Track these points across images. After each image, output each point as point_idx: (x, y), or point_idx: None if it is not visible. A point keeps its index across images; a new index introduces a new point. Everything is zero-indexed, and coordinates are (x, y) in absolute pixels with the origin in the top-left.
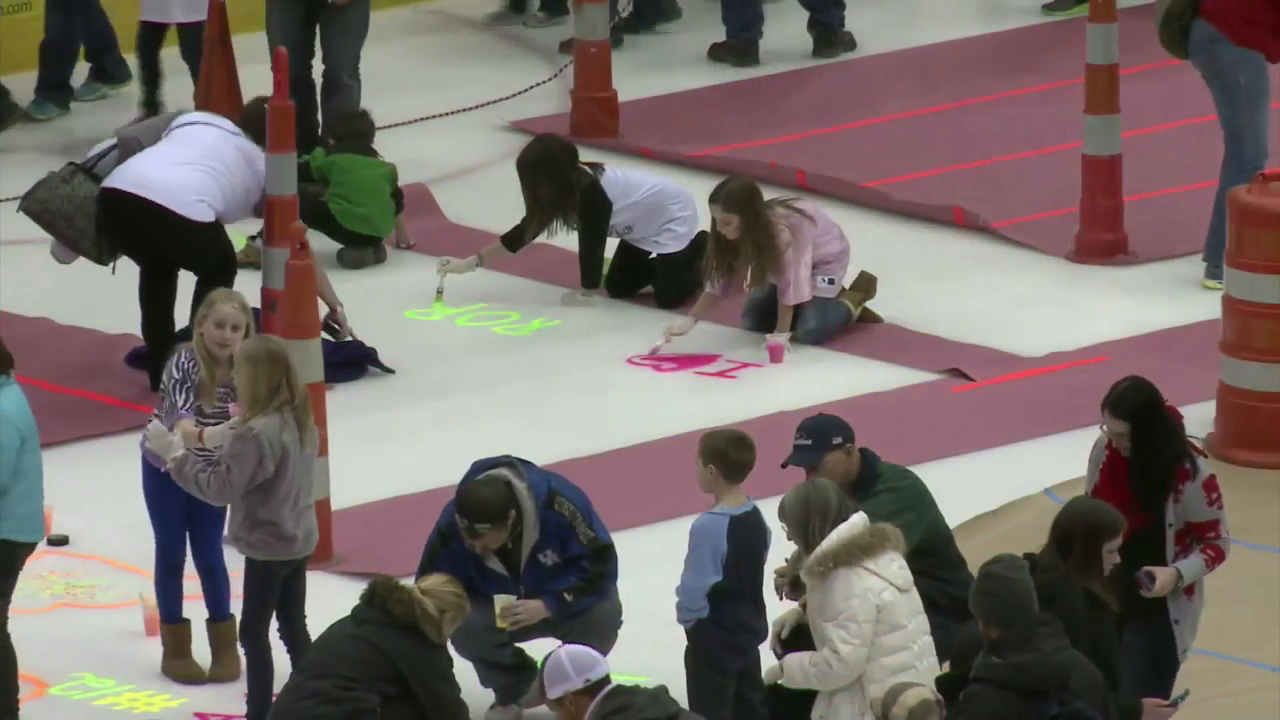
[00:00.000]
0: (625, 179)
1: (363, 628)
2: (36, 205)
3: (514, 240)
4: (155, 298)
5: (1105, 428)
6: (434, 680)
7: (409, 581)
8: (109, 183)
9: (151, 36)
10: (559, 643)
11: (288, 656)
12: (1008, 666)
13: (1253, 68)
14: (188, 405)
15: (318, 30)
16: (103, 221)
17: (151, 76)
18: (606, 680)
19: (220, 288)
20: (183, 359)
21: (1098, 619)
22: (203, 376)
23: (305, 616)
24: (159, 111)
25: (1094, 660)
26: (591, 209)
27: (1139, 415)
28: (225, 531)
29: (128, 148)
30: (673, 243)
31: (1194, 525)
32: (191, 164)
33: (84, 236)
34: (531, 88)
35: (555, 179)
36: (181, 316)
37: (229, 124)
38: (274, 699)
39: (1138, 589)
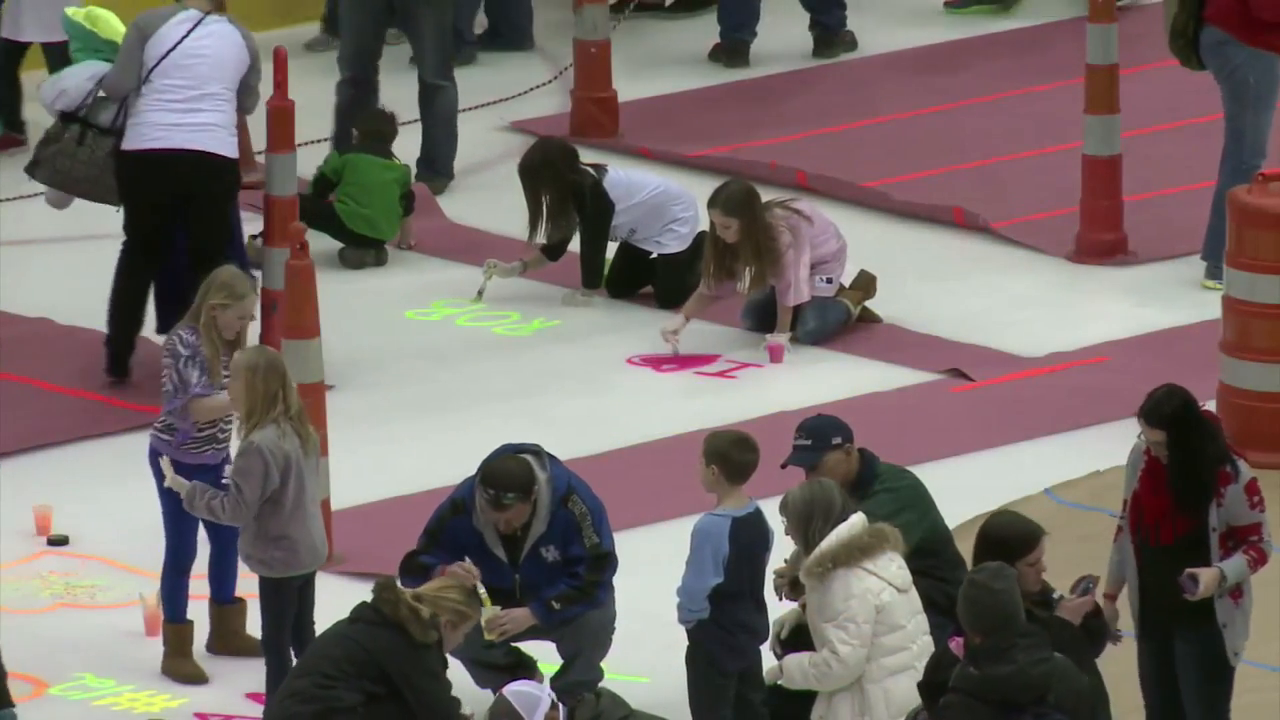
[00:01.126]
0: (628, 180)
1: (354, 626)
2: (59, 177)
3: (553, 249)
4: (132, 274)
5: (1143, 436)
6: (417, 677)
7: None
8: (131, 145)
9: (11, 54)
10: (552, 644)
11: None
12: (981, 678)
13: (1263, 68)
14: (200, 382)
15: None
16: (129, 184)
17: (10, 96)
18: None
19: (236, 274)
20: (185, 334)
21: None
22: (207, 354)
23: (314, 624)
24: (22, 131)
25: None
26: (594, 210)
27: (1175, 421)
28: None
29: (118, 93)
30: (675, 243)
31: (1236, 528)
32: (200, 102)
33: (111, 192)
34: (532, 89)
35: (556, 182)
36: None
37: (194, 14)
38: None
39: (1181, 594)
